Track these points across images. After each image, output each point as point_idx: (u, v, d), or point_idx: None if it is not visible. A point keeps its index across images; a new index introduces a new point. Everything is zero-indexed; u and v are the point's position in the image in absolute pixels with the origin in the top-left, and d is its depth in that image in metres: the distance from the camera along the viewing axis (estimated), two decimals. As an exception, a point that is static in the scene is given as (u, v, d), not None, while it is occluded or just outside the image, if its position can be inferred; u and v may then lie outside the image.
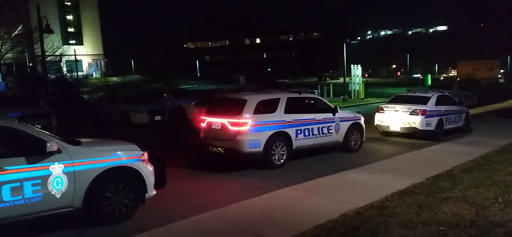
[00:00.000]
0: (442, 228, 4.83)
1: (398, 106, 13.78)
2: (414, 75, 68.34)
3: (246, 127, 9.12)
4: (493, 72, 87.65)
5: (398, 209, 5.78)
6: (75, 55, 48.85)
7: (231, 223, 5.65)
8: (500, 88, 49.95)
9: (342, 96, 31.33)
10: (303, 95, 11.57)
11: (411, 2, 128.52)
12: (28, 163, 5.13)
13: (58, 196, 5.33)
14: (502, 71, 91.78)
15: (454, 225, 4.91)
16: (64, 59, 38.06)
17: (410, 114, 13.35)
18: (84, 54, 62.05)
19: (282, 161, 9.64)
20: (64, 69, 36.93)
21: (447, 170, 8.52)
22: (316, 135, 10.48)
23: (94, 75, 58.45)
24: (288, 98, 10.15)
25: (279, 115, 9.72)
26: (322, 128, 10.64)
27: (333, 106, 11.21)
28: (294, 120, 9.92)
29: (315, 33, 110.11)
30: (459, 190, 6.60)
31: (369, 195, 6.69)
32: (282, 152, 9.65)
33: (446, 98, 14.84)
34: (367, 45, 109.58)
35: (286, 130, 9.74)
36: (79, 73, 48.53)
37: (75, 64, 47.93)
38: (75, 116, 18.58)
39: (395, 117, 13.65)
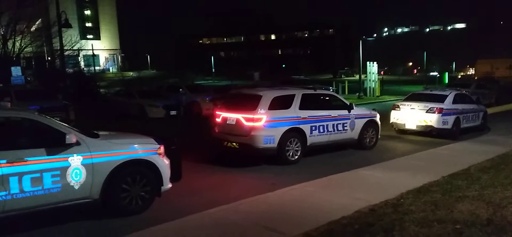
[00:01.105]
0: (458, 227, 4.79)
1: (414, 104, 13.64)
2: (431, 73, 67.51)
3: (261, 122, 9.14)
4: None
5: (414, 206, 5.74)
6: (92, 49, 49.46)
7: (244, 217, 5.69)
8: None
9: (357, 94, 31.13)
10: (318, 91, 11.53)
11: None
12: (48, 154, 5.24)
13: (76, 187, 5.44)
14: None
15: (471, 224, 4.86)
16: (81, 53, 38.58)
17: (426, 112, 13.20)
18: (101, 49, 62.77)
19: (296, 157, 9.64)
20: (82, 63, 37.45)
21: (464, 168, 8.42)
22: (330, 131, 10.45)
23: (111, 70, 59.14)
24: (303, 94, 10.14)
25: (294, 112, 9.72)
26: (337, 124, 10.60)
27: (348, 103, 11.15)
28: (309, 116, 9.90)
29: (330, 30, 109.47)
30: (475, 189, 6.52)
31: (384, 193, 6.66)
32: (297, 148, 9.65)
33: (464, 96, 14.64)
34: (384, 42, 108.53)
35: (301, 126, 9.73)
36: (96, 68, 49.14)
37: (92, 58, 48.53)
38: (92, 110, 18.86)
39: (411, 115, 13.52)
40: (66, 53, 27.52)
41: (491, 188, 6.53)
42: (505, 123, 16.92)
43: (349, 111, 10.94)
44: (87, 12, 67.10)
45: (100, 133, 6.15)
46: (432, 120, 13.07)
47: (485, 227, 4.74)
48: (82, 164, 5.47)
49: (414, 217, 5.26)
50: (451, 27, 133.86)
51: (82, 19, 64.43)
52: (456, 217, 5.15)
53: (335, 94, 12.85)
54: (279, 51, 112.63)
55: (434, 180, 7.44)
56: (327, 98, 11.44)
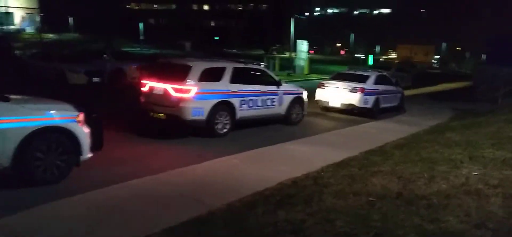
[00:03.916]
0: (371, 199, 5.12)
1: (339, 84, 14.22)
2: (357, 55, 70.78)
3: (190, 93, 8.99)
4: (429, 57, 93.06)
5: (332, 179, 6.04)
6: (6, 7, 45.11)
7: (169, 189, 5.62)
8: (434, 73, 53.26)
9: (286, 71, 31.74)
10: (249, 66, 11.58)
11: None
12: (-52, 117, 4.73)
13: (-17, 154, 5.00)
14: (437, 57, 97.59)
15: (382, 196, 5.22)
16: (-7, 10, 35.00)
17: (349, 91, 13.84)
18: (17, 7, 57.36)
19: (225, 130, 9.65)
20: (-6, 21, 34.05)
21: (380, 145, 9.00)
22: (259, 106, 10.58)
23: (28, 30, 54.41)
24: (234, 68, 10.11)
25: (224, 85, 9.68)
26: (266, 99, 10.75)
27: (277, 79, 11.34)
28: (239, 90, 9.92)
29: (264, 5, 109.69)
30: (389, 165, 6.99)
31: (306, 166, 6.92)
32: (226, 122, 9.65)
33: (384, 78, 15.53)
34: (314, 21, 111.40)
35: (231, 100, 9.73)
36: (11, 27, 44.93)
37: (6, 16, 44.31)
38: (5, 72, 17.30)
39: (336, 94, 14.10)
40: (-25, 8, 24.85)
41: (402, 164, 7.04)
42: (420, 105, 18.34)
43: (278, 87, 11.13)
44: (1, -36, 60.73)
45: (12, 96, 5.66)
46: (354, 99, 13.74)
47: (395, 200, 5.12)
48: (-10, 129, 5.01)
49: (332, 189, 5.53)
50: (378, 11, 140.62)
51: (-5, -29, 58.24)
52: (370, 190, 5.50)
53: (265, 70, 12.96)
54: (212, 22, 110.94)
55: (353, 155, 7.87)
56: (258, 73, 11.51)
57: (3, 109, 5.18)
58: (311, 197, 5.13)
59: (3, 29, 38.21)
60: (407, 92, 19.67)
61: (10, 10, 49.23)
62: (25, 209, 4.65)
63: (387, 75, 16.62)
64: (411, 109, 16.52)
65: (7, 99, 5.44)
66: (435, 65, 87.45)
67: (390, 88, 15.46)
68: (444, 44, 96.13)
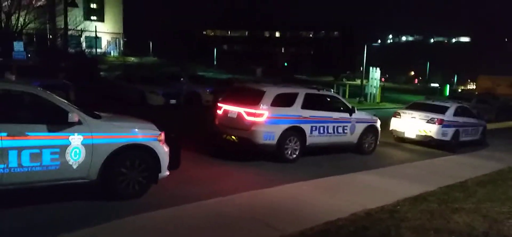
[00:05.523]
0: (454, 238, 4.80)
1: (415, 113, 13.62)
2: (432, 85, 67.59)
3: (262, 118, 9.11)
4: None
5: (410, 214, 5.75)
6: (95, 31, 49.24)
7: (241, 210, 5.69)
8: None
9: (357, 98, 31.07)
10: (321, 92, 11.52)
11: (436, 10, 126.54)
12: (49, 131, 5.21)
13: (74, 167, 5.42)
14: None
15: (466, 235, 4.87)
16: (84, 34, 38.38)
17: (427, 122, 13.19)
18: (104, 32, 62.31)
19: (295, 155, 9.62)
20: (84, 44, 37.27)
21: (461, 181, 8.44)
22: (330, 133, 10.44)
23: (112, 54, 58.76)
24: (306, 94, 10.11)
25: (296, 110, 9.69)
26: (337, 127, 10.59)
27: (350, 107, 11.13)
28: (310, 116, 9.88)
29: (335, 32, 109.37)
30: (472, 202, 6.53)
31: (380, 198, 6.67)
32: (295, 147, 9.63)
33: (465, 110, 14.63)
34: (387, 49, 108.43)
35: (301, 125, 9.71)
36: (98, 50, 48.85)
37: (95, 40, 48.31)
38: (92, 91, 18.79)
39: (412, 124, 13.50)
40: (69, 33, 27.44)
41: (488, 202, 6.54)
42: (504, 140, 16.98)
43: (351, 115, 10.91)
44: (93, -7, 66.60)
45: (102, 114, 6.13)
46: (431, 130, 13.06)
47: (481, 240, 4.76)
48: (82, 144, 5.44)
49: (410, 224, 5.26)
50: (456, 40, 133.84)
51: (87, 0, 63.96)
52: (452, 228, 5.16)
53: (338, 97, 12.80)
54: (283, 49, 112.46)
55: (431, 190, 7.45)
56: (330, 99, 11.39)
57: (94, 126, 5.61)
58: (388, 231, 4.92)
59: (91, 52, 41.66)
60: (490, 126, 18.34)
61: (99, 35, 53.61)
62: (108, 221, 4.95)
63: (468, 106, 15.64)
64: (495, 144, 15.33)
65: (98, 117, 5.89)
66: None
67: (471, 121, 14.52)
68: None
